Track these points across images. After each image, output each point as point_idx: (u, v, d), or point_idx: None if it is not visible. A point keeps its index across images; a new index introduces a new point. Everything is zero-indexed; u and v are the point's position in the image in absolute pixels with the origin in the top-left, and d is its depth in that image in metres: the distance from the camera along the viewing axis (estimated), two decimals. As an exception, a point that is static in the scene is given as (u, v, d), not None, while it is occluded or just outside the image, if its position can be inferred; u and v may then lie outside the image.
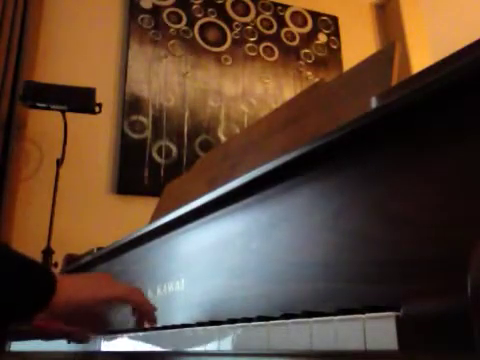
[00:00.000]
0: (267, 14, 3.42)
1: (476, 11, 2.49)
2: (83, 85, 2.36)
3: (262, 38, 3.34)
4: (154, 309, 0.78)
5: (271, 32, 3.38)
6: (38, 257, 2.11)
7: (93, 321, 0.80)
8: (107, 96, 2.75)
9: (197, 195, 0.90)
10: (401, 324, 0.39)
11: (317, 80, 1.36)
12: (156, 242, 1.06)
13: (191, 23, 3.17)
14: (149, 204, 1.73)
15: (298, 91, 3.11)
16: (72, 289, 0.71)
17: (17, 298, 0.66)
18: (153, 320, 0.78)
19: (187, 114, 2.98)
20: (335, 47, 3.53)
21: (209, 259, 0.86)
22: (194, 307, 0.87)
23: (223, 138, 3.00)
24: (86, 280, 0.76)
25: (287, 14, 3.48)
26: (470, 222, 0.45)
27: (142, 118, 2.88)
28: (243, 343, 0.55)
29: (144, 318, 0.78)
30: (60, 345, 0.98)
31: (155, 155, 2.84)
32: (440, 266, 0.46)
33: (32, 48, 2.68)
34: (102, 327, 0.85)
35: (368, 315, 0.42)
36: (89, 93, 2.32)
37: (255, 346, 0.53)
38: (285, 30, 3.43)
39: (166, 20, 3.11)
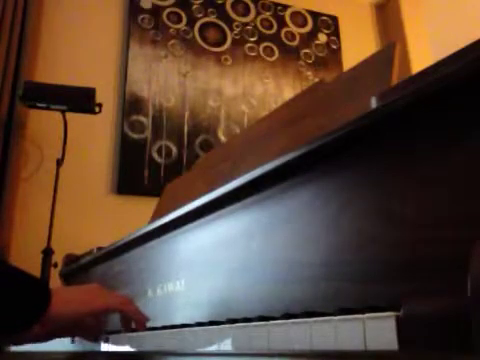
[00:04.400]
0: (267, 14, 3.42)
1: (476, 11, 2.49)
2: (83, 85, 2.36)
3: (262, 38, 3.34)
4: (146, 318, 0.79)
5: (271, 32, 3.38)
6: (38, 257, 2.11)
7: (89, 330, 0.82)
8: (107, 96, 2.75)
9: (197, 195, 0.90)
10: (401, 324, 0.39)
11: (317, 80, 1.36)
12: (156, 242, 1.06)
13: (191, 23, 3.17)
14: (149, 204, 1.73)
15: (298, 91, 3.11)
16: (66, 301, 0.73)
17: (11, 312, 0.67)
18: (144, 327, 0.79)
19: (187, 114, 2.98)
20: (335, 47, 3.53)
21: (209, 259, 0.86)
22: (194, 307, 0.87)
23: (223, 138, 3.00)
24: (79, 292, 0.78)
25: (287, 14, 3.48)
26: (470, 222, 0.45)
27: (142, 118, 2.88)
28: (243, 343, 0.55)
29: (136, 325, 0.79)
30: (60, 345, 0.98)
31: (155, 155, 2.84)
32: (440, 266, 0.46)
33: (32, 48, 2.68)
34: (99, 333, 0.86)
35: (368, 315, 0.42)
36: (89, 93, 2.32)
37: (255, 346, 0.53)
38: (285, 30, 3.43)
39: (166, 20, 3.11)
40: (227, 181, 0.82)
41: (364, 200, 0.59)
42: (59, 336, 0.83)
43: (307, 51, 3.44)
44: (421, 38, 3.19)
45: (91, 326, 0.80)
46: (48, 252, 2.12)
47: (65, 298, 0.73)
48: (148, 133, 2.86)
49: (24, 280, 0.70)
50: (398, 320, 0.39)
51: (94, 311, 0.75)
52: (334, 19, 3.61)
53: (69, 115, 2.36)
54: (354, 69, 0.89)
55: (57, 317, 0.70)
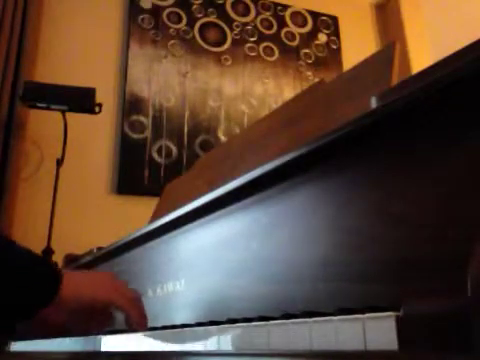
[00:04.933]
0: (267, 14, 3.42)
1: (476, 11, 2.49)
2: (83, 85, 2.36)
3: (262, 38, 3.34)
4: (146, 322, 0.78)
5: (271, 32, 3.39)
6: (38, 257, 2.11)
7: (93, 319, 0.80)
8: (107, 96, 2.75)
9: (197, 195, 0.90)
10: (401, 324, 0.39)
11: (317, 80, 1.36)
12: (156, 242, 1.06)
13: (191, 23, 3.17)
14: (149, 204, 1.73)
15: (298, 91, 3.11)
16: (76, 285, 0.70)
17: (23, 293, 0.65)
18: (145, 329, 0.78)
19: (187, 114, 2.98)
20: (335, 47, 3.53)
21: (209, 259, 0.86)
22: (194, 307, 0.87)
23: (223, 138, 3.00)
24: (90, 278, 0.75)
25: (287, 14, 3.48)
26: (470, 222, 0.45)
27: (142, 118, 2.88)
28: (243, 343, 0.55)
29: (136, 327, 0.78)
30: (60, 345, 0.98)
31: (155, 155, 2.84)
32: (440, 266, 0.46)
33: (32, 48, 2.68)
34: (101, 326, 0.85)
35: (368, 315, 0.42)
36: (89, 93, 2.32)
37: (255, 346, 0.53)
38: (285, 30, 3.43)
39: (166, 20, 3.11)
40: (227, 181, 0.82)
41: (364, 200, 0.59)
42: (67, 327, 0.80)
43: (307, 51, 3.44)
44: (421, 38, 3.19)
45: (92, 317, 0.78)
46: (48, 252, 2.12)
47: (75, 282, 0.70)
48: (148, 133, 2.86)
49: (35, 261, 0.68)
50: (398, 320, 0.39)
51: (99, 302, 0.72)
52: (334, 19, 3.61)
53: (69, 115, 2.36)
54: (354, 69, 0.89)
55: (67, 300, 0.67)
